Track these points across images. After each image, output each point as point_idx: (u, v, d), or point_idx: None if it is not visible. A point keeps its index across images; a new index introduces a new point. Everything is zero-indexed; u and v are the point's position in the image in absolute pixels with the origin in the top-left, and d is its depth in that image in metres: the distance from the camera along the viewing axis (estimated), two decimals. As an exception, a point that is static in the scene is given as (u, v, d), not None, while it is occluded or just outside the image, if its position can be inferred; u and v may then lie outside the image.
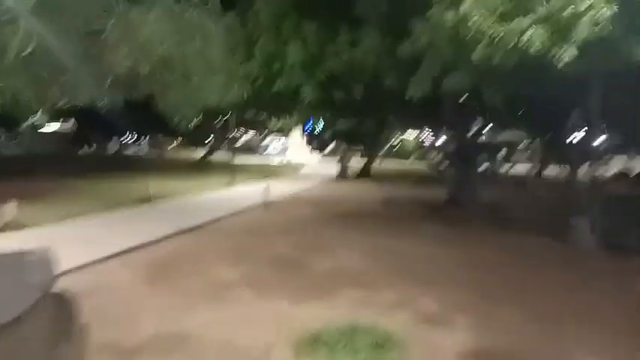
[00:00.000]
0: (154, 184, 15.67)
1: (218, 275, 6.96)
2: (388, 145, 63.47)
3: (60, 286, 2.87)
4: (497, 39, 6.19)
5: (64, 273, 6.14)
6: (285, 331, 4.88)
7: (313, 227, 11.25)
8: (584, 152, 11.84)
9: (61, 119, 39.08)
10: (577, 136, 16.14)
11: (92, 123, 30.40)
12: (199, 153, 38.66)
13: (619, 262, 8.69)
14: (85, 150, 39.08)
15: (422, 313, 5.64)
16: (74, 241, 8.42)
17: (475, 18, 6.28)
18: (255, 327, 5.03)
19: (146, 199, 13.92)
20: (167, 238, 9.28)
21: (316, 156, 51.44)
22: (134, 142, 44.49)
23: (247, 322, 5.17)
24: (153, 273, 6.98)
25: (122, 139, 42.07)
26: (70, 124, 39.64)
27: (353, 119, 24.63)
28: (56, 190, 15.70)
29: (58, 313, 2.68)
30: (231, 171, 21.09)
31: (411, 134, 44.25)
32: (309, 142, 55.92)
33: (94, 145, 40.92)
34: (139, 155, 40.92)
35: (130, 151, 44.23)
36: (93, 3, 3.84)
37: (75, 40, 3.70)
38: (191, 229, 10.25)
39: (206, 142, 39.43)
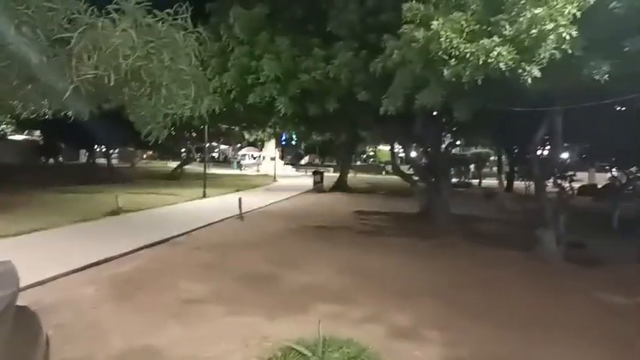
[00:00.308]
0: (123, 196, 15.31)
1: (187, 290, 6.79)
2: (363, 157, 64.25)
3: (22, 302, 2.74)
4: (465, 57, 6.34)
5: (26, 288, 5.91)
6: (256, 348, 4.79)
7: (286, 241, 11.16)
8: (549, 166, 12.17)
9: (26, 131, 37.96)
10: (543, 151, 16.64)
11: (60, 134, 29.59)
12: (172, 164, 38.11)
13: (581, 273, 8.91)
14: (54, 161, 37.93)
15: (395, 328, 5.63)
16: (37, 254, 8.12)
17: (444, 37, 6.42)
18: (225, 343, 4.92)
19: (115, 212, 13.58)
20: (135, 251, 9.04)
21: (291, 168, 51.48)
22: (104, 152, 43.44)
23: (217, 339, 5.05)
24: (119, 288, 6.77)
25: (92, 149, 40.99)
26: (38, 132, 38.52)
27: (327, 132, 24.84)
28: (21, 201, 15.17)
29: (20, 327, 2.55)
30: (204, 183, 20.81)
31: (385, 146, 44.77)
32: (283, 155, 56.03)
33: (62, 155, 39.78)
34: (109, 166, 39.98)
35: (99, 162, 43.18)
36: (58, 12, 3.73)
37: (38, 49, 3.59)
38: (160, 243, 10.02)
39: (179, 153, 38.93)
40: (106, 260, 8.23)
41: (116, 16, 3.83)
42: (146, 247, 9.52)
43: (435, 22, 6.60)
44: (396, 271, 8.55)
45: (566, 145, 18.50)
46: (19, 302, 2.77)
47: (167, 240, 10.37)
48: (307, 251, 9.96)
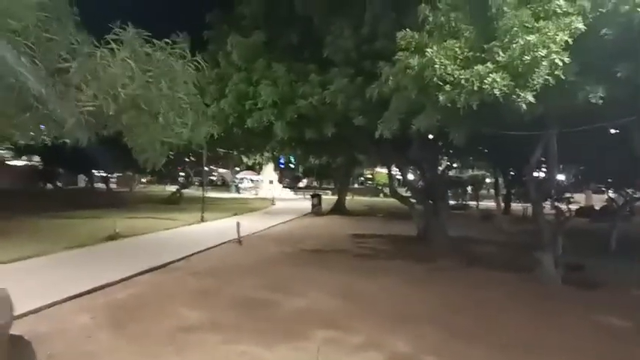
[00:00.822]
0: (121, 221, 15.22)
1: (184, 318, 6.69)
2: (361, 180, 64.37)
3: (15, 330, 2.69)
4: (460, 83, 6.41)
5: (21, 316, 5.81)
6: (252, 378, 4.68)
7: (284, 265, 11.06)
8: (546, 188, 12.20)
9: (25, 156, 38.00)
10: (539, 173, 16.71)
11: (59, 159, 29.61)
12: (171, 188, 38.05)
13: (580, 295, 8.82)
14: (52, 186, 37.85)
15: (393, 353, 5.53)
16: (32, 281, 8.01)
17: (438, 64, 6.51)
18: (221, 374, 4.81)
19: (112, 237, 13.48)
20: (131, 278, 8.93)
21: (289, 191, 51.47)
22: (103, 177, 43.43)
23: (213, 369, 4.94)
24: (115, 316, 6.66)
25: (90, 174, 40.97)
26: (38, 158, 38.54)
27: (324, 156, 24.93)
28: (18, 227, 15.07)
29: (15, 357, 2.49)
30: (202, 207, 20.74)
31: (383, 169, 44.89)
32: (282, 178, 56.07)
33: (61, 180, 39.71)
34: (108, 191, 39.92)
35: (98, 187, 43.12)
36: (57, 42, 3.77)
37: (38, 79, 3.61)
38: (157, 269, 9.91)
39: (178, 177, 38.92)
40: (102, 287, 8.11)
41: (115, 46, 3.86)
42: (143, 273, 9.40)
43: (429, 50, 6.70)
44: (393, 296, 8.45)
45: (561, 166, 18.64)
46: (14, 331, 2.71)
47: (164, 265, 10.26)
48: (305, 276, 9.86)
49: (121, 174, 46.63)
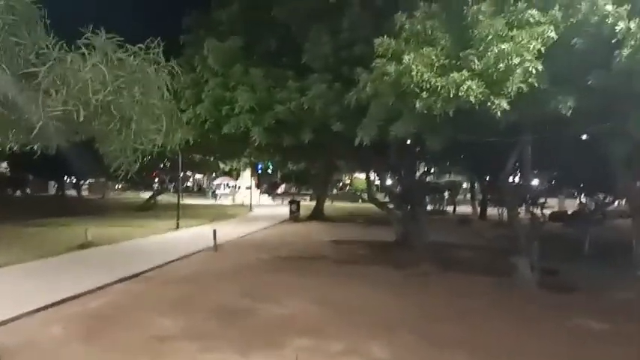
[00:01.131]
0: (93, 229, 14.87)
1: (159, 327, 6.57)
2: (339, 186, 64.51)
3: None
4: (436, 90, 6.51)
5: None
6: (229, 389, 4.62)
7: (260, 273, 10.98)
8: (521, 193, 12.47)
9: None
10: (514, 178, 17.06)
11: (28, 165, 28.79)
12: (145, 195, 37.38)
13: (556, 300, 9.01)
14: (21, 193, 36.76)
15: (371, 362, 5.53)
16: (0, 292, 7.75)
17: (415, 71, 6.60)
18: (197, 385, 4.73)
19: (84, 246, 13.17)
20: (104, 287, 8.74)
21: (267, 197, 51.17)
22: (74, 184, 42.44)
23: (188, 381, 4.86)
24: (87, 327, 6.49)
25: (61, 181, 39.95)
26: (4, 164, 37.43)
27: (303, 161, 24.93)
28: (-17, 237, 14.56)
29: None
30: (178, 213, 20.44)
31: (361, 174, 45.12)
32: (259, 184, 55.74)
33: (30, 187, 38.61)
34: (79, 198, 38.99)
35: (69, 194, 42.09)
36: (25, 46, 3.67)
37: (4, 84, 3.51)
38: (131, 277, 9.71)
39: (152, 183, 38.30)
40: (74, 297, 7.93)
41: (86, 51, 3.78)
42: (116, 282, 9.21)
43: (406, 57, 6.80)
44: (372, 303, 8.46)
45: (536, 172, 19.07)
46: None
47: (138, 274, 10.07)
48: (282, 283, 9.80)
49: (93, 180, 45.65)
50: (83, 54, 3.74)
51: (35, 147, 4.62)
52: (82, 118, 3.55)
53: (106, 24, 4.03)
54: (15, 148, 5.08)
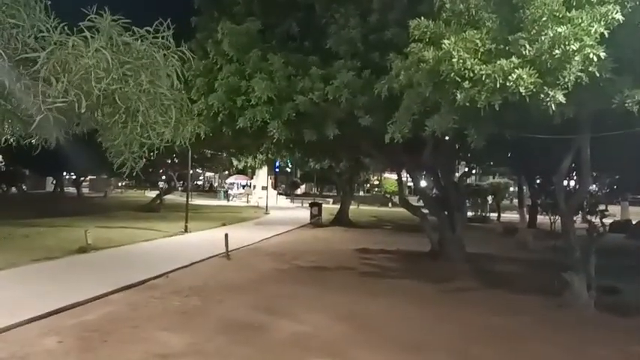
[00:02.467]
0: (93, 231, 15.19)
1: (163, 343, 6.65)
2: (367, 187, 64.37)
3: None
4: (480, 80, 6.40)
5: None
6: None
7: (277, 284, 11.02)
8: (577, 199, 12.16)
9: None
10: (569, 182, 16.69)
11: (24, 159, 29.64)
12: (151, 194, 38.02)
13: (616, 323, 8.76)
14: (16, 189, 37.88)
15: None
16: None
17: (456, 57, 6.50)
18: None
19: (83, 249, 13.45)
20: (104, 296, 8.90)
21: (285, 199, 51.43)
22: (74, 181, 43.50)
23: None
24: (85, 340, 6.63)
25: (60, 177, 40.98)
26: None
27: (326, 159, 24.92)
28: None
29: None
30: (186, 215, 20.70)
31: (392, 174, 44.85)
32: (276, 184, 56.09)
33: (26, 184, 39.71)
34: (79, 196, 39.93)
35: (68, 192, 43.17)
36: (23, 29, 3.76)
37: (0, 70, 3.60)
38: (134, 286, 9.87)
39: (159, 181, 38.94)
40: (72, 306, 8.09)
41: (89, 35, 3.85)
42: (118, 290, 9.37)
43: (446, 41, 6.70)
44: (403, 321, 8.40)
45: (595, 175, 18.62)
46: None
47: (142, 282, 10.23)
48: (301, 296, 9.82)
49: (94, 177, 46.73)
50: (86, 38, 3.80)
51: (34, 141, 4.73)
52: (83, 109, 3.61)
53: (111, 4, 4.09)
54: (11, 141, 5.22)
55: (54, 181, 41.97)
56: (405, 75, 7.76)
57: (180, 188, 38.64)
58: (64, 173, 38.03)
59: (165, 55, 4.36)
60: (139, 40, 4.09)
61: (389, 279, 12.29)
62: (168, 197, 34.83)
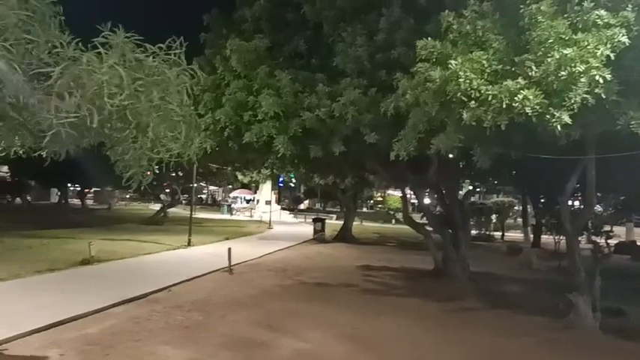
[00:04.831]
0: (97, 243, 15.19)
1: (163, 357, 6.63)
2: (370, 204, 64.32)
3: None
4: (487, 100, 6.45)
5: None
6: None
7: (280, 300, 10.98)
8: (582, 220, 12.11)
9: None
10: (574, 202, 16.64)
11: (30, 170, 29.82)
12: (155, 207, 38.07)
13: (621, 347, 8.67)
14: (21, 200, 38.05)
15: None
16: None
17: (463, 77, 6.56)
18: None
19: (86, 261, 13.45)
20: (106, 309, 8.88)
21: (288, 214, 51.42)
22: (78, 192, 43.66)
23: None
24: (86, 353, 6.61)
25: (64, 189, 41.17)
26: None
27: (330, 175, 24.94)
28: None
29: None
30: (190, 229, 20.71)
31: (396, 191, 44.85)
32: (280, 198, 56.15)
33: (31, 194, 39.88)
34: (84, 208, 40.06)
35: (73, 203, 43.30)
36: (39, 44, 3.83)
37: (14, 85, 3.66)
38: (136, 299, 9.86)
39: (163, 195, 39.04)
40: (74, 319, 8.07)
41: (103, 51, 3.91)
42: (120, 303, 9.35)
43: (452, 61, 6.77)
44: (405, 340, 8.34)
45: (599, 195, 18.57)
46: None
47: (144, 296, 10.20)
48: (304, 313, 9.78)
49: (98, 189, 46.90)
50: (100, 54, 3.86)
51: (44, 154, 4.77)
52: (95, 124, 3.66)
53: (124, 22, 4.17)
54: (21, 153, 5.27)
55: (58, 193, 42.13)
56: (412, 94, 7.84)
57: (183, 202, 38.70)
58: (69, 185, 38.17)
59: (177, 72, 4.42)
60: (151, 57, 4.15)
61: (392, 297, 12.22)
62: (172, 210, 34.89)
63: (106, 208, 43.67)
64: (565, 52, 6.13)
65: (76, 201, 43.99)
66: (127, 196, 57.61)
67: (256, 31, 12.65)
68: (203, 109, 11.96)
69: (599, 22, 6.32)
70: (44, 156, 4.67)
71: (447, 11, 7.61)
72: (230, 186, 63.28)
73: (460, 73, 6.66)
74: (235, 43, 11.72)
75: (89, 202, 46.27)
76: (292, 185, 59.01)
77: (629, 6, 6.35)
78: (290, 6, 12.72)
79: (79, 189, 42.98)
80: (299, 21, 12.61)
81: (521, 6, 6.82)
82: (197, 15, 14.40)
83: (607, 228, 18.37)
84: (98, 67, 3.75)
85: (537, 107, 6.24)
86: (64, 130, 3.64)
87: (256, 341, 7.66)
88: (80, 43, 4.08)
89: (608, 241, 16.83)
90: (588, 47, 6.16)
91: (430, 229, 17.19)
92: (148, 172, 5.08)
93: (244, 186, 56.42)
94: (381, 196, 62.69)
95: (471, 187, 21.71)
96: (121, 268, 13.69)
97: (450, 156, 12.30)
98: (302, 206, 62.04)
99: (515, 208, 39.23)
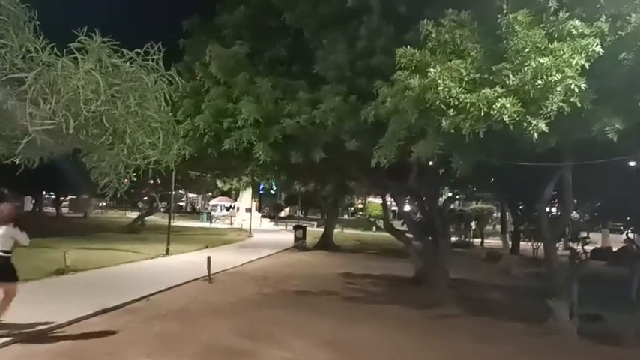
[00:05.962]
0: (73, 252, 14.90)
1: (143, 369, 6.52)
2: (351, 211, 64.41)
3: None
4: (465, 108, 6.53)
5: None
6: None
7: (261, 308, 10.90)
8: (559, 226, 12.29)
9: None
10: (551, 209, 16.88)
11: (2, 178, 29.12)
12: (132, 215, 37.55)
13: (599, 352, 8.81)
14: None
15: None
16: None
17: (442, 86, 6.64)
18: None
19: (61, 271, 13.18)
20: (81, 320, 8.69)
21: (269, 221, 51.22)
22: (53, 200, 42.83)
23: None
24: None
25: (39, 196, 40.36)
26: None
27: (311, 182, 24.95)
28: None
29: None
30: (168, 237, 20.47)
31: (376, 198, 45.02)
32: (260, 206, 55.85)
33: (3, 203, 38.98)
34: (59, 216, 39.30)
35: (47, 211, 42.46)
36: (12, 48, 3.76)
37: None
38: (113, 309, 9.67)
39: (140, 203, 38.56)
40: (49, 330, 7.90)
41: (79, 56, 3.87)
42: (96, 314, 9.17)
43: (432, 70, 6.85)
44: (387, 347, 8.37)
45: (576, 202, 18.88)
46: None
47: (122, 306, 10.03)
48: (285, 321, 9.72)
49: (74, 197, 46.09)
50: (75, 59, 3.81)
51: (17, 160, 4.68)
52: (71, 131, 3.61)
53: (102, 27, 4.12)
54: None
55: (33, 201, 41.30)
56: (392, 101, 7.90)
57: (162, 209, 38.24)
58: (44, 193, 37.40)
59: (153, 77, 4.38)
60: (128, 63, 4.11)
61: (373, 304, 12.23)
62: (150, 219, 34.44)
63: (82, 217, 42.94)
64: (541, 61, 6.25)
65: (51, 209, 43.16)
66: (104, 205, 56.75)
67: (237, 37, 12.63)
68: (182, 116, 11.86)
69: (574, 32, 6.47)
70: (17, 163, 4.59)
71: (425, 20, 7.69)
72: (210, 194, 62.78)
73: (439, 81, 6.73)
74: (215, 49, 11.68)
75: (65, 210, 45.43)
76: (273, 192, 58.77)
77: (603, 16, 6.51)
78: (271, 13, 12.74)
79: (54, 197, 42.15)
80: (279, 28, 12.64)
81: (499, 15, 6.94)
82: (176, 21, 14.34)
83: (584, 234, 18.64)
84: (74, 73, 3.70)
85: (514, 115, 6.34)
86: (38, 136, 3.58)
87: (238, 350, 7.59)
88: (55, 48, 4.03)
89: (585, 247, 17.07)
90: (564, 56, 6.29)
91: (411, 236, 17.29)
92: (125, 180, 5.03)
93: (224, 194, 56.04)
94: (362, 204, 62.90)
95: (450, 195, 21.85)
96: (98, 277, 13.44)
97: (430, 163, 12.46)
98: (283, 214, 61.84)
99: (494, 215, 39.75)
